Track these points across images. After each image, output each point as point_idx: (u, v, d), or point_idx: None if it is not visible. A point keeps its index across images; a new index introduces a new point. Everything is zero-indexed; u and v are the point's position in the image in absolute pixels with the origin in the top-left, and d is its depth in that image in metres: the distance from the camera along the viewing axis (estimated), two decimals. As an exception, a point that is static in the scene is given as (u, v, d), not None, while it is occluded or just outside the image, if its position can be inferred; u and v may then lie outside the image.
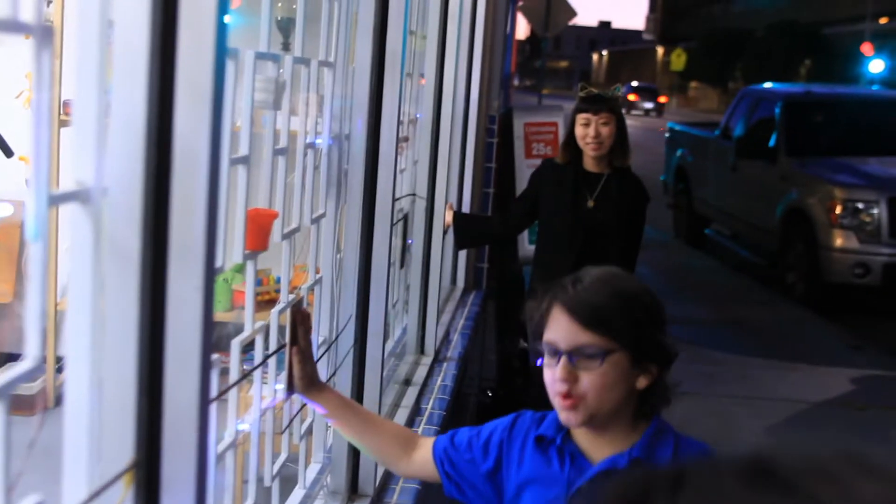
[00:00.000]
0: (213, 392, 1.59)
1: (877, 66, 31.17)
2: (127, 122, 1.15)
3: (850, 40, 35.31)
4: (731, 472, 0.59)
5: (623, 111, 4.38)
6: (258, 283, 3.71)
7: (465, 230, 4.62)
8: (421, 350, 4.18)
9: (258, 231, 2.18)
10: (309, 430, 2.63)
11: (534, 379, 4.71)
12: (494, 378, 6.00)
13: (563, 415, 1.74)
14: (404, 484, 2.86)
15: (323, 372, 2.52)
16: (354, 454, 2.64)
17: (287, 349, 1.86)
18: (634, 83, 52.73)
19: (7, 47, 3.70)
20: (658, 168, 13.90)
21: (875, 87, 16.71)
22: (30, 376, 1.04)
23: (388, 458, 2.03)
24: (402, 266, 4.10)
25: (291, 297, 2.29)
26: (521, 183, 5.84)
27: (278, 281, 3.71)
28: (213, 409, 1.56)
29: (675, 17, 66.94)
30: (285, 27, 3.68)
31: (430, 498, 3.01)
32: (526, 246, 6.03)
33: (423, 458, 1.95)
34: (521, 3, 13.20)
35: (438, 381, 3.95)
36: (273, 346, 2.16)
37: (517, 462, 1.85)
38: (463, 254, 5.76)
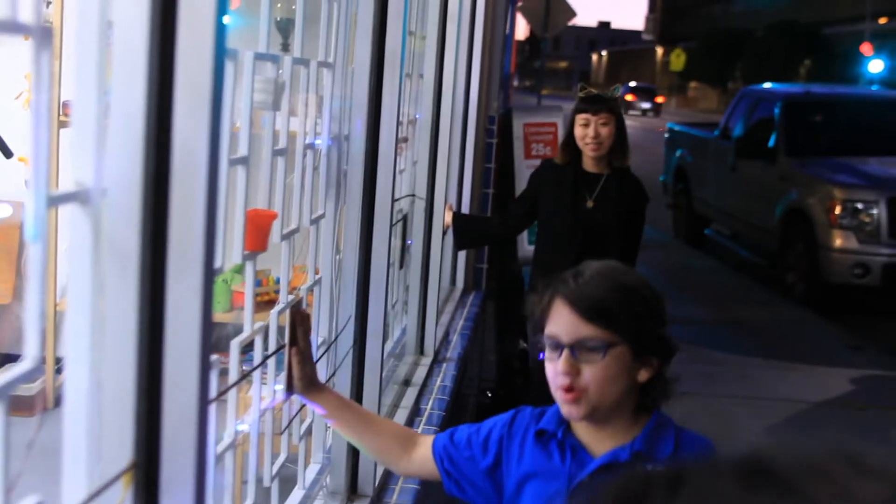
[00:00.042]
0: (213, 392, 1.59)
1: (876, 66, 31.17)
2: (126, 123, 1.15)
3: (850, 40, 35.32)
4: (728, 472, 0.59)
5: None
6: (257, 283, 3.71)
7: (465, 231, 4.62)
8: (420, 351, 4.18)
9: (257, 232, 2.18)
10: (308, 431, 2.63)
11: (533, 379, 4.72)
12: (494, 378, 6.01)
13: (566, 408, 1.74)
14: (404, 484, 2.86)
15: (322, 372, 2.52)
16: (354, 455, 2.64)
17: (286, 350, 1.86)
18: (632, 83, 52.87)
19: (7, 48, 3.70)
20: (657, 168, 13.90)
21: (875, 87, 16.71)
22: (29, 377, 1.04)
23: (387, 458, 2.03)
24: (401, 267, 4.10)
25: (291, 297, 2.29)
26: (521, 183, 5.84)
27: (278, 282, 3.71)
28: (213, 409, 1.56)
29: (675, 17, 66.96)
30: (284, 28, 3.68)
31: (429, 498, 3.01)
32: (525, 246, 6.03)
33: (422, 456, 1.95)
34: (520, 4, 13.20)
35: (438, 382, 3.95)
36: (272, 346, 2.16)
37: (517, 457, 1.85)
38: (462, 254, 5.76)
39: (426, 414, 3.58)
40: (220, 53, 1.20)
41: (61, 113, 4.01)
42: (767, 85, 12.64)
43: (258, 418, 2.10)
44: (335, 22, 2.52)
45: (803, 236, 8.91)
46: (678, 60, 52.07)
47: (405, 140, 3.91)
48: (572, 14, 13.98)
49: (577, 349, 1.70)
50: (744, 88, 12.35)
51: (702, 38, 50.18)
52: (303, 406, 2.34)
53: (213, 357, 1.62)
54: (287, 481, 2.53)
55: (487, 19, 5.86)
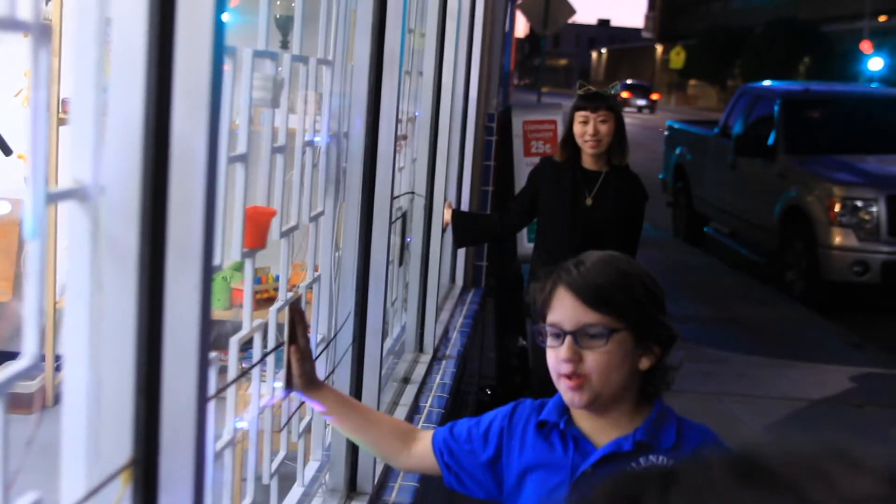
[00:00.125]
0: (212, 390, 1.59)
1: (876, 63, 31.20)
2: (125, 121, 1.15)
3: (849, 38, 35.33)
4: (721, 468, 0.60)
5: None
6: (257, 281, 3.71)
7: (464, 228, 4.62)
8: (420, 348, 4.18)
9: (256, 229, 2.18)
10: (307, 428, 2.63)
11: (532, 377, 4.72)
12: (493, 376, 6.01)
13: (568, 395, 1.74)
14: (403, 482, 2.86)
15: (321, 370, 2.52)
16: (353, 452, 2.64)
17: (285, 347, 1.86)
18: (629, 81, 53.19)
19: (6, 46, 3.70)
20: (657, 166, 13.90)
21: (874, 85, 16.71)
22: (27, 374, 1.05)
23: (387, 453, 2.03)
24: (400, 264, 4.10)
25: (290, 295, 2.29)
26: (520, 181, 5.85)
27: (277, 279, 3.71)
28: (212, 406, 1.56)
29: (674, 14, 66.96)
30: (284, 25, 3.68)
31: (428, 495, 3.01)
32: (525, 244, 6.04)
33: (422, 450, 1.96)
34: (519, 1, 13.21)
35: (437, 379, 3.95)
36: (271, 343, 2.16)
37: (518, 449, 1.85)
38: (462, 252, 5.76)
39: (425, 411, 3.58)
40: (219, 51, 1.20)
41: (60, 110, 4.01)
42: (767, 83, 12.64)
43: (257, 415, 2.10)
44: (334, 19, 2.52)
45: (803, 234, 8.91)
46: (678, 58, 52.10)
47: (404, 137, 3.91)
48: (572, 11, 13.99)
49: (580, 336, 1.71)
50: (743, 86, 12.34)
51: (701, 36, 50.21)
52: (302, 403, 2.34)
53: (212, 354, 1.62)
54: (286, 479, 2.53)
55: (487, 17, 5.86)
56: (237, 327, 2.08)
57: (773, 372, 6.80)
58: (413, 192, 4.15)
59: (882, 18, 34.91)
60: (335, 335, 2.61)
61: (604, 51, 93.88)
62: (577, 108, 4.13)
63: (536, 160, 5.10)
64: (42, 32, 1.01)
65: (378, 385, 2.79)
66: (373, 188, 2.63)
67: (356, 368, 2.65)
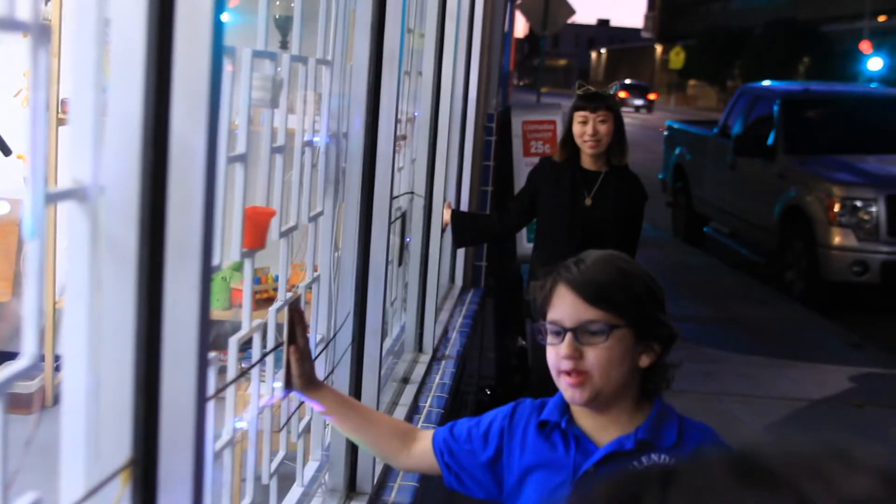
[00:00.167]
0: (211, 390, 1.59)
1: (875, 63, 31.22)
2: (124, 121, 1.15)
3: (849, 38, 35.34)
4: (720, 468, 0.60)
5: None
6: (256, 281, 3.71)
7: (464, 228, 4.62)
8: (419, 348, 4.18)
9: (256, 229, 2.18)
10: (307, 428, 2.63)
11: (532, 377, 4.72)
12: (493, 376, 6.01)
13: (569, 392, 1.75)
14: (402, 482, 2.86)
15: (321, 370, 2.52)
16: (352, 452, 2.64)
17: (285, 347, 1.86)
18: (627, 81, 53.47)
19: (6, 46, 3.70)
20: (656, 166, 13.90)
21: (874, 85, 16.72)
22: (26, 374, 1.05)
23: (387, 453, 2.03)
24: (400, 264, 4.10)
25: (289, 295, 2.29)
26: (520, 181, 5.85)
27: (276, 279, 3.71)
28: (211, 406, 1.56)
29: (674, 15, 66.97)
30: (283, 25, 3.68)
31: (427, 495, 3.01)
32: (524, 244, 6.04)
33: (422, 450, 1.96)
34: (519, 1, 13.21)
35: (437, 379, 3.95)
36: (271, 344, 2.16)
37: (519, 449, 1.85)
38: (461, 252, 5.76)
39: (425, 411, 3.58)
40: (218, 51, 1.20)
41: (60, 110, 4.01)
42: (766, 83, 12.64)
43: (257, 415, 2.10)
44: (333, 19, 2.52)
45: (802, 234, 8.91)
46: (677, 58, 52.14)
47: (404, 137, 3.91)
48: (571, 12, 14.00)
49: (580, 333, 1.72)
50: (743, 86, 12.35)
51: (701, 36, 50.24)
52: (301, 403, 2.34)
53: (212, 354, 1.62)
54: (285, 479, 2.53)
55: (486, 17, 5.86)
56: (236, 327, 2.08)
57: (773, 372, 6.80)
58: (412, 193, 4.15)
59: (882, 18, 34.92)
60: (334, 335, 2.61)
61: (603, 51, 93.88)
62: (576, 108, 4.13)
63: (536, 160, 5.10)
64: (41, 33, 1.01)
65: (377, 385, 2.79)
66: (372, 188, 2.63)
67: (355, 368, 2.65)
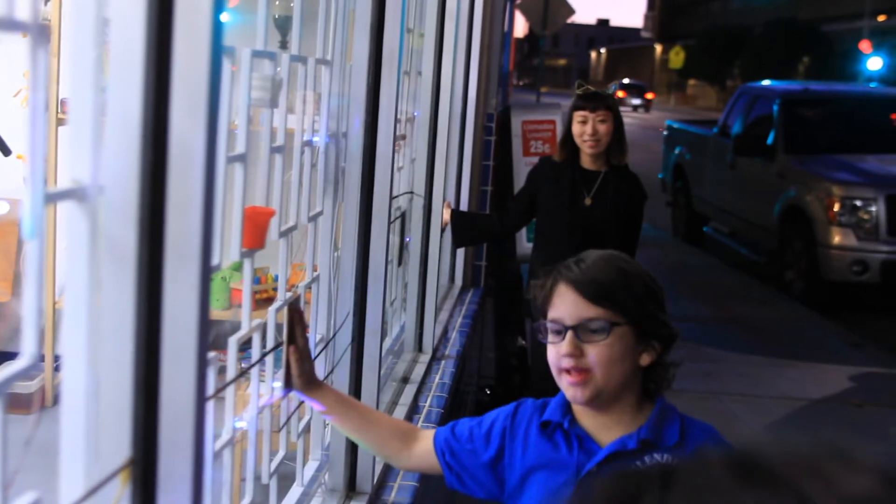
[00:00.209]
0: (210, 389, 1.59)
1: (875, 63, 31.23)
2: (123, 121, 1.15)
3: (849, 38, 35.35)
4: (720, 467, 0.60)
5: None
6: (256, 281, 3.71)
7: (463, 228, 4.62)
8: (419, 348, 4.18)
9: (255, 229, 2.18)
10: (307, 428, 2.63)
11: (532, 376, 4.72)
12: (493, 376, 6.01)
13: (570, 391, 1.75)
14: (402, 481, 2.86)
15: (320, 370, 2.52)
16: (352, 452, 2.64)
17: (284, 347, 1.86)
18: (625, 80, 53.75)
19: (5, 46, 3.70)
20: (656, 166, 13.90)
21: (873, 85, 16.72)
22: (26, 374, 1.05)
23: (388, 452, 2.03)
24: (399, 264, 4.10)
25: (289, 295, 2.29)
26: (519, 181, 5.85)
27: (276, 279, 3.71)
28: (211, 406, 1.56)
29: (674, 14, 66.99)
30: (282, 25, 3.68)
31: (427, 495, 3.01)
32: (524, 244, 6.04)
33: (423, 450, 1.96)
34: (519, 1, 13.21)
35: (437, 379, 3.96)
36: (270, 343, 2.16)
37: (522, 449, 1.86)
38: (461, 251, 5.76)
39: (425, 411, 3.58)
40: (218, 51, 1.20)
41: (59, 110, 4.02)
42: (766, 82, 12.64)
43: (256, 415, 2.10)
44: (333, 19, 2.53)
45: (802, 234, 8.91)
46: (677, 58, 52.19)
47: (403, 137, 3.91)
48: (571, 11, 14.00)
49: (581, 331, 1.73)
50: (742, 86, 12.35)
51: (700, 36, 50.26)
52: (301, 403, 2.34)
53: (211, 354, 1.62)
54: (285, 478, 2.53)
55: (486, 16, 5.86)
56: (236, 327, 2.08)
57: (773, 371, 6.80)
58: (412, 192, 4.15)
59: (881, 18, 34.92)
60: (334, 335, 2.61)
61: (603, 51, 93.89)
62: (575, 107, 4.13)
63: (535, 160, 5.10)
64: (41, 33, 1.01)
65: (377, 385, 2.79)
66: (371, 188, 2.63)
67: (355, 368, 2.65)
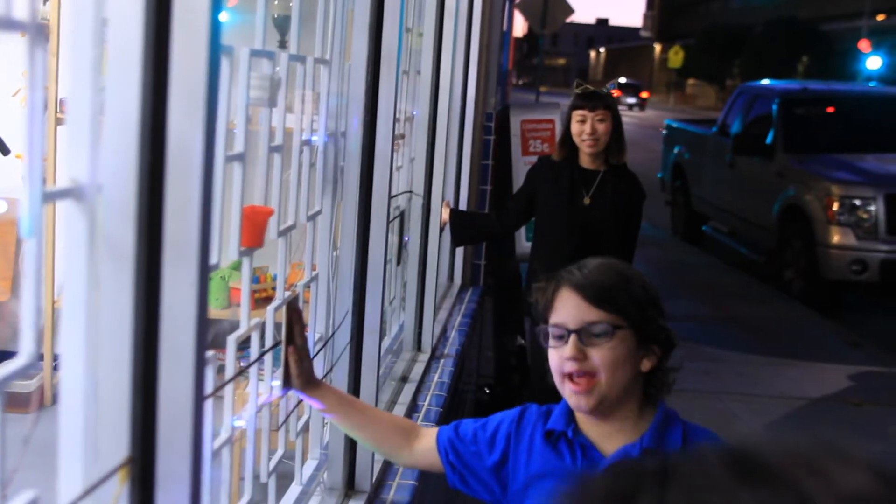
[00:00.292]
0: (209, 388, 1.59)
1: (874, 62, 31.23)
2: (122, 120, 1.15)
3: (848, 37, 35.36)
4: (718, 464, 0.60)
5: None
6: (255, 280, 3.71)
7: (462, 227, 4.62)
8: (418, 347, 4.18)
9: (254, 228, 2.18)
10: (305, 427, 2.63)
11: (531, 375, 4.72)
12: (492, 375, 6.01)
13: (574, 399, 1.75)
14: (401, 480, 2.86)
15: (319, 369, 2.52)
16: (351, 450, 2.64)
17: (283, 346, 1.86)
18: (622, 80, 54.07)
19: (4, 46, 3.70)
20: (655, 165, 13.90)
21: (872, 84, 16.72)
22: (25, 373, 1.05)
23: (389, 450, 2.04)
24: (398, 263, 4.10)
25: (287, 294, 2.30)
26: (518, 180, 5.85)
27: (275, 278, 3.71)
28: (209, 405, 1.56)
29: (673, 14, 66.98)
30: (281, 24, 3.68)
31: (426, 494, 3.01)
32: (523, 243, 6.04)
33: (425, 448, 1.96)
34: (518, 1, 13.20)
35: (435, 378, 3.96)
36: (269, 342, 2.16)
37: (526, 457, 1.86)
38: (460, 251, 5.76)
39: (423, 410, 3.58)
40: (216, 50, 1.20)
41: (58, 110, 4.02)
42: (765, 81, 12.65)
43: (255, 414, 2.10)
44: (332, 18, 2.53)
45: (801, 233, 8.91)
46: (676, 57, 52.20)
47: (402, 137, 3.91)
48: (570, 11, 13.98)
49: (584, 335, 1.73)
50: (742, 85, 12.35)
51: (700, 35, 50.26)
52: (300, 402, 2.34)
53: (210, 353, 1.62)
54: (284, 477, 2.53)
55: (485, 16, 5.86)
56: (235, 326, 2.08)
57: (772, 370, 6.80)
58: (411, 192, 4.15)
59: (881, 17, 34.93)
60: (333, 334, 2.61)
61: (602, 50, 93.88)
62: (574, 107, 4.14)
63: (534, 159, 5.10)
64: (39, 32, 1.01)
65: (376, 384, 2.79)
66: (370, 187, 2.63)
67: (354, 367, 2.65)
